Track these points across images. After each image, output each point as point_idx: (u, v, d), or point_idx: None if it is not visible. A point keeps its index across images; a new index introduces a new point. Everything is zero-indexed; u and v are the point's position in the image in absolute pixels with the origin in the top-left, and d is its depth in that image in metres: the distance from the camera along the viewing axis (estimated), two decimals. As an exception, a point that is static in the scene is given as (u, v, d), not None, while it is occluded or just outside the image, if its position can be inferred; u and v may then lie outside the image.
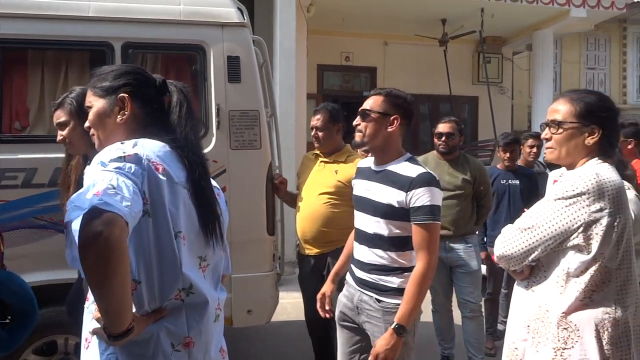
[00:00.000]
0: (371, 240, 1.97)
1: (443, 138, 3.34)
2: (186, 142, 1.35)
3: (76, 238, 1.06)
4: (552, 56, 9.19)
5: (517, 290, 1.70)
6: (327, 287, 2.23)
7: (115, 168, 1.17)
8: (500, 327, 4.03)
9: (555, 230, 1.51)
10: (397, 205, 1.89)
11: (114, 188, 1.10)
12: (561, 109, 1.61)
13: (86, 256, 1.04)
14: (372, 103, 1.98)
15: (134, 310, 1.21)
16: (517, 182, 3.83)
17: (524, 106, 10.93)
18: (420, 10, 8.18)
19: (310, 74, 8.32)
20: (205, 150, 2.28)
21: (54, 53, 2.72)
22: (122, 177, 1.15)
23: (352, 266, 2.09)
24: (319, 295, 2.23)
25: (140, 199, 1.17)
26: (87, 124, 1.40)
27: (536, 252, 1.56)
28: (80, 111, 1.91)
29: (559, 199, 1.51)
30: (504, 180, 3.87)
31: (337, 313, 2.14)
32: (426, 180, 1.87)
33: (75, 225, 1.06)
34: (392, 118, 1.94)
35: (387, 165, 1.97)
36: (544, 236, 1.53)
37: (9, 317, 1.90)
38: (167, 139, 1.33)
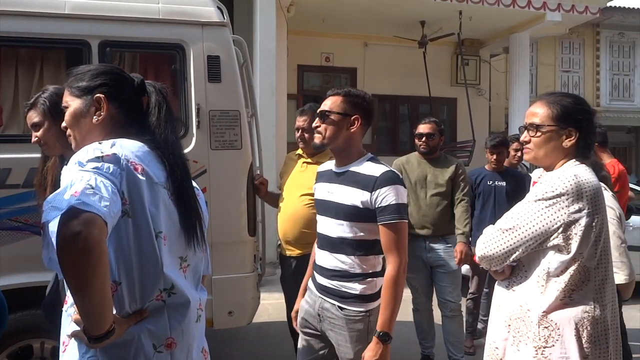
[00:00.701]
0: (334, 244, 1.92)
1: (424, 139, 3.37)
2: (166, 142, 1.34)
3: (54, 239, 1.03)
4: (528, 59, 9.37)
5: (498, 290, 1.72)
6: (298, 304, 2.16)
7: (93, 168, 1.15)
8: (480, 325, 4.08)
9: (536, 230, 1.54)
10: (361, 206, 1.84)
11: (92, 188, 1.08)
12: (539, 112, 1.64)
13: (65, 257, 1.02)
14: (330, 104, 1.93)
15: (114, 311, 1.19)
16: (504, 183, 3.87)
17: (501, 108, 11.10)
18: (400, 12, 8.25)
19: (290, 75, 8.31)
20: (185, 151, 2.26)
21: (29, 51, 2.66)
22: (101, 177, 1.13)
23: (314, 272, 2.03)
24: (292, 314, 2.18)
25: (119, 199, 1.16)
26: (63, 124, 1.38)
27: (517, 253, 1.58)
28: (54, 111, 1.87)
29: (539, 199, 1.54)
30: (491, 182, 3.90)
31: (299, 319, 2.08)
32: (390, 179, 1.83)
33: (53, 226, 1.04)
34: (352, 118, 1.90)
35: (349, 166, 1.93)
36: (525, 237, 1.55)
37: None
38: (146, 139, 1.31)
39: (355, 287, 1.88)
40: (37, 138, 1.98)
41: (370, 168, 1.89)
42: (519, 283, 1.63)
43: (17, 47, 2.63)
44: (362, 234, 1.87)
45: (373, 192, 1.82)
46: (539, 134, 1.63)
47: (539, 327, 1.55)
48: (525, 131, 1.68)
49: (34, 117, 1.98)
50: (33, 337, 2.47)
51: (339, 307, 1.90)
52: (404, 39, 8.95)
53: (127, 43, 2.68)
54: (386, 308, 1.80)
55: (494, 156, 3.88)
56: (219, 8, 2.85)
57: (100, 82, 1.34)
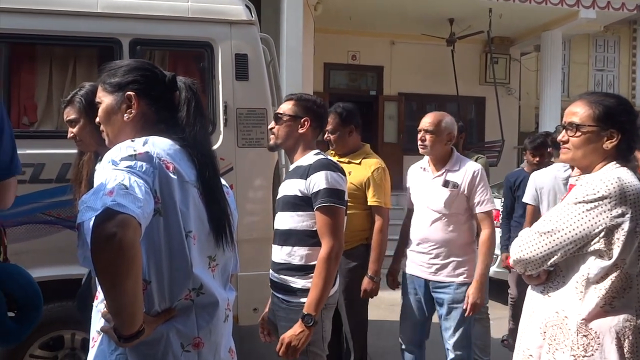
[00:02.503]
0: (282, 237, 2.00)
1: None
2: (195, 140, 1.33)
3: (89, 239, 1.04)
4: (560, 57, 9.16)
5: (532, 296, 1.67)
6: (266, 312, 2.19)
7: (127, 167, 1.15)
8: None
9: (576, 234, 1.48)
10: (300, 194, 1.94)
11: (127, 188, 1.09)
12: (579, 112, 1.58)
13: (99, 258, 1.03)
14: (284, 107, 2.06)
15: (143, 310, 1.20)
16: None
17: (531, 107, 10.89)
18: (428, 9, 8.16)
19: (317, 73, 8.33)
20: (213, 148, 2.27)
21: (63, 49, 2.72)
22: (134, 176, 1.13)
23: (270, 269, 2.10)
24: (260, 321, 2.20)
25: (152, 198, 1.16)
26: (97, 119, 1.39)
27: (555, 257, 1.53)
28: (89, 109, 1.91)
29: (579, 202, 1.48)
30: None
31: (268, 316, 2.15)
32: (322, 165, 1.93)
33: (88, 226, 1.05)
34: (302, 120, 2.02)
35: (297, 161, 2.04)
36: (564, 240, 1.50)
37: (16, 311, 1.91)
38: (176, 137, 1.31)
39: (297, 282, 1.94)
40: (72, 134, 2.03)
41: (309, 158, 1.99)
42: (556, 289, 1.58)
43: (52, 46, 2.69)
44: (305, 223, 1.94)
45: (307, 179, 1.92)
46: (578, 134, 1.57)
47: (577, 335, 1.49)
48: (564, 130, 1.62)
49: (70, 113, 2.03)
50: (64, 328, 2.54)
51: (282, 299, 1.98)
52: (431, 37, 8.86)
53: (157, 41, 2.72)
54: (313, 290, 1.85)
55: (536, 158, 3.79)
56: (247, 6, 2.86)
57: (131, 78, 1.34)
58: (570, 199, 1.52)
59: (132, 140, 1.24)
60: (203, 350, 1.28)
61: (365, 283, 2.75)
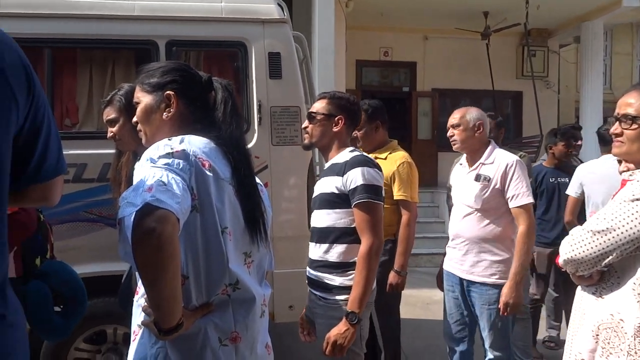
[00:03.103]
0: (319, 234, 2.00)
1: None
2: (231, 139, 1.36)
3: (129, 234, 1.07)
4: (601, 48, 8.83)
5: (583, 297, 1.59)
6: (302, 312, 2.20)
7: (164, 164, 1.18)
8: (553, 332, 3.88)
9: (633, 233, 1.39)
10: (337, 192, 1.93)
11: (165, 184, 1.11)
12: (635, 103, 1.50)
13: (138, 252, 1.06)
14: (317, 106, 2.05)
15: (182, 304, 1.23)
16: (567, 179, 3.66)
17: (570, 101, 10.55)
18: (462, 3, 8.01)
19: (349, 70, 8.30)
20: (247, 147, 2.30)
21: (102, 52, 2.80)
22: (172, 173, 1.16)
23: (307, 267, 2.10)
24: (299, 321, 2.19)
25: (189, 195, 1.18)
26: (134, 119, 1.42)
27: (611, 257, 1.44)
28: (129, 108, 1.96)
29: (636, 199, 1.40)
30: (553, 179, 3.69)
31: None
32: (359, 162, 1.91)
33: (128, 222, 1.08)
34: (336, 118, 2.01)
35: (332, 159, 2.03)
36: (620, 240, 1.41)
37: (61, 306, 1.98)
38: (212, 135, 1.34)
39: (335, 279, 1.93)
40: (112, 134, 2.08)
41: (345, 155, 1.98)
42: (610, 290, 1.49)
43: (92, 49, 2.78)
44: (343, 221, 1.93)
45: (344, 176, 1.91)
46: (634, 126, 1.48)
47: (634, 340, 1.40)
48: (617, 123, 1.53)
49: (110, 113, 2.08)
50: (106, 322, 2.62)
51: (320, 296, 1.98)
52: (465, 31, 8.69)
53: (192, 42, 2.77)
54: (355, 287, 1.85)
55: (570, 149, 3.66)
56: (279, 5, 2.88)
57: (170, 78, 1.37)
58: (625, 196, 1.43)
59: (169, 139, 1.26)
60: (240, 344, 1.30)
61: (392, 277, 2.74)
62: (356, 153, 1.99)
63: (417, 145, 9.48)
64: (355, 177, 1.89)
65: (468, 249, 2.50)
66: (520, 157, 3.36)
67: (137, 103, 1.40)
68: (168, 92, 1.35)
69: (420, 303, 4.57)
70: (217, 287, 1.28)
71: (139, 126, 1.42)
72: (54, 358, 2.56)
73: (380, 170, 1.98)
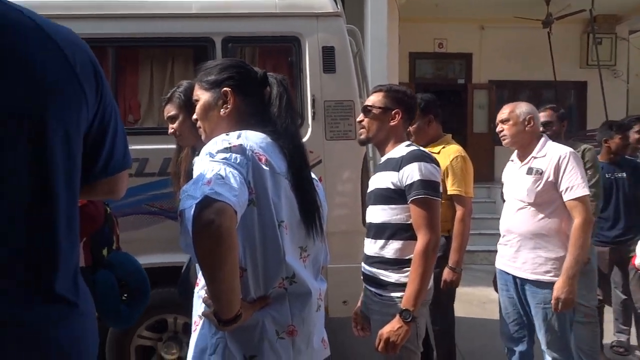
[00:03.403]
0: (375, 230, 1.97)
1: (541, 129, 3.12)
2: (286, 133, 1.37)
3: (189, 226, 1.10)
4: (677, 33, 8.20)
5: None
6: (356, 307, 2.19)
7: (223, 159, 1.20)
8: (621, 337, 3.66)
9: None
10: (393, 187, 1.90)
11: (223, 178, 1.14)
12: None
13: (199, 244, 1.09)
14: (373, 99, 2.01)
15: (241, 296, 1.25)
16: (624, 174, 3.42)
17: (641, 90, 9.88)
18: (522, -10, 7.68)
19: (402, 63, 8.17)
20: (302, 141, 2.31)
21: (162, 50, 2.89)
22: (229, 167, 1.18)
23: (362, 263, 2.07)
24: (352, 316, 2.20)
25: (246, 188, 1.20)
26: (194, 116, 1.46)
27: None
28: (188, 104, 2.01)
29: None
30: (609, 174, 3.45)
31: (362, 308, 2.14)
32: (415, 156, 1.88)
33: (189, 214, 1.11)
34: (393, 112, 1.96)
35: (388, 154, 2.00)
36: None
37: (126, 295, 2.07)
38: (268, 130, 1.35)
39: (391, 276, 1.91)
40: (173, 130, 2.14)
41: (401, 150, 1.95)
42: None
43: (152, 47, 2.87)
44: (399, 216, 1.90)
45: (400, 171, 1.88)
46: None
47: None
48: None
49: (170, 110, 2.14)
50: (167, 312, 2.71)
51: (375, 293, 1.96)
52: (525, 19, 8.31)
53: (247, 38, 2.81)
54: (411, 284, 1.81)
55: (626, 142, 3.44)
56: (333, -2, 2.86)
57: (227, 75, 1.40)
58: None
59: (227, 134, 1.29)
60: (297, 338, 1.31)
61: (446, 274, 2.69)
62: (413, 148, 1.95)
63: (473, 139, 9.20)
64: (412, 173, 1.85)
65: (521, 245, 2.41)
66: (584, 150, 3.19)
67: (197, 100, 1.44)
68: (225, 88, 1.38)
69: (476, 301, 4.45)
70: (274, 280, 1.29)
71: (199, 123, 1.45)
72: (119, 344, 2.68)
73: (438, 166, 1.93)
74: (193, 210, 1.09)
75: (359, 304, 2.17)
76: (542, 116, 3.11)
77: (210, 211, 1.07)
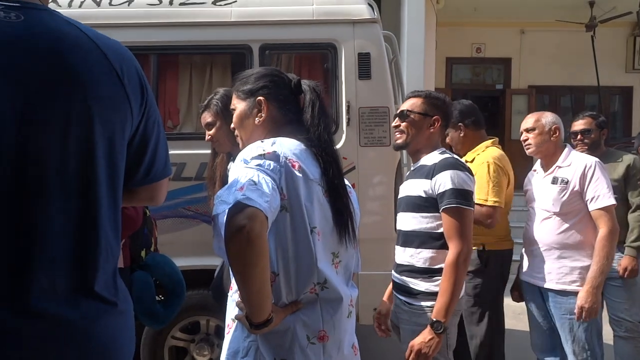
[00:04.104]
0: (405, 238, 1.95)
1: (578, 136, 3.04)
2: (320, 140, 1.38)
3: (222, 230, 1.13)
4: None
5: None
6: (382, 306, 2.19)
7: (257, 165, 1.23)
8: None
9: None
10: (424, 195, 1.87)
11: (255, 184, 1.16)
12: None
13: (230, 248, 1.12)
14: (411, 104, 1.98)
15: (272, 301, 1.26)
16: None
17: (692, 96, 9.44)
18: (564, -7, 7.47)
19: (438, 68, 8.08)
20: (336, 148, 2.31)
21: (201, 57, 2.96)
22: (262, 174, 1.21)
23: (392, 270, 2.06)
24: (375, 315, 2.19)
25: (278, 194, 1.22)
26: (232, 125, 1.50)
27: None
28: (225, 111, 2.05)
29: None
30: None
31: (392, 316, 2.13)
32: (449, 164, 1.84)
33: (222, 219, 1.14)
34: (433, 119, 1.94)
35: (421, 161, 1.97)
36: None
37: (162, 296, 2.13)
38: (302, 137, 1.37)
39: (421, 284, 1.89)
40: (210, 136, 2.19)
41: (434, 157, 1.92)
42: None
43: (192, 55, 2.94)
44: (430, 225, 1.88)
45: (432, 179, 1.85)
46: None
47: None
48: None
49: (207, 117, 2.19)
50: (200, 314, 2.75)
51: (405, 302, 1.93)
52: (568, 23, 8.09)
53: (284, 45, 2.84)
54: (442, 295, 1.78)
55: None
56: (369, 5, 2.86)
57: (261, 84, 1.43)
58: None
59: (262, 141, 1.32)
60: (327, 343, 1.31)
61: None
62: (446, 155, 1.92)
63: (511, 145, 8.97)
64: (445, 181, 1.82)
65: (546, 255, 2.39)
66: (621, 159, 3.05)
67: (234, 110, 1.48)
68: (259, 97, 1.41)
69: (510, 313, 4.33)
70: (306, 285, 1.30)
71: (236, 131, 1.49)
72: (153, 344, 2.75)
73: (472, 174, 1.90)
74: (225, 215, 1.12)
75: (385, 298, 2.17)
76: (581, 124, 3.05)
77: (241, 216, 1.09)
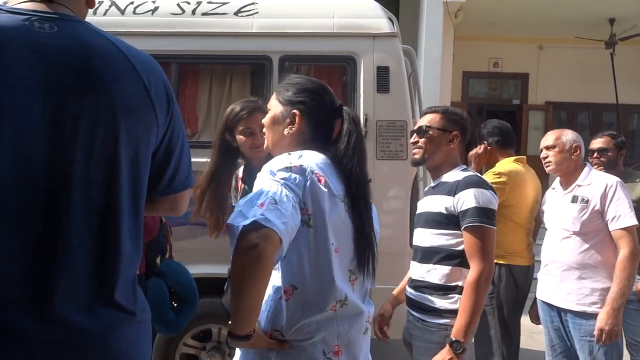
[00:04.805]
0: (422, 254, 1.93)
1: (595, 154, 3.01)
2: (351, 174, 1.35)
3: (234, 241, 1.14)
4: None
5: None
6: (384, 308, 2.16)
7: (282, 178, 1.23)
8: None
9: None
10: (445, 212, 1.85)
11: (276, 203, 1.16)
12: None
13: (239, 260, 1.12)
14: (429, 120, 1.97)
15: (291, 314, 1.28)
16: None
17: None
18: (584, 9, 7.42)
19: (455, 82, 8.05)
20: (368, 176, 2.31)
21: (221, 66, 2.99)
22: (286, 189, 1.20)
23: (407, 286, 2.04)
24: (377, 317, 2.17)
25: (299, 212, 1.22)
26: (262, 120, 1.49)
27: None
28: None
29: None
30: None
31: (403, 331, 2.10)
32: (473, 182, 1.83)
33: (236, 230, 1.14)
34: (452, 134, 1.94)
35: (442, 178, 1.96)
36: None
37: (174, 304, 2.13)
38: (329, 154, 1.35)
39: (435, 301, 1.87)
40: (257, 139, 2.08)
41: (457, 174, 1.91)
42: None
43: (212, 64, 2.97)
44: (449, 242, 1.85)
45: (455, 196, 1.83)
46: None
47: None
48: None
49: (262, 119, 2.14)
50: (212, 322, 2.76)
51: (418, 318, 1.92)
52: (587, 40, 8.03)
53: (303, 57, 2.86)
54: (461, 315, 1.76)
55: None
56: (389, 19, 2.87)
57: (301, 98, 1.40)
58: None
59: (289, 154, 1.31)
60: (341, 358, 1.30)
61: None
62: (469, 173, 1.91)
63: (527, 162, 8.90)
64: (467, 199, 1.80)
65: (565, 276, 2.34)
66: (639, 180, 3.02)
67: (269, 109, 1.47)
68: (294, 110, 1.40)
69: (526, 332, 4.27)
70: (327, 301, 1.29)
71: (265, 130, 1.48)
72: (165, 350, 2.75)
73: (495, 193, 1.88)
74: (240, 228, 1.12)
75: (387, 303, 2.15)
76: (599, 142, 3.04)
77: (256, 235, 1.10)
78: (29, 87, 0.89)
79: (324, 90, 1.46)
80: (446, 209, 1.86)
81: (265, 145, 1.48)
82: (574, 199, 2.37)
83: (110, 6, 2.84)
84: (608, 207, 2.27)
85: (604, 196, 2.28)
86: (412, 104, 3.05)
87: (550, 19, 7.88)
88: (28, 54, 0.90)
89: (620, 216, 2.24)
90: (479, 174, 1.95)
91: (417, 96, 3.39)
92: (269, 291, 1.31)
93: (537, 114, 9.25)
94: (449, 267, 1.86)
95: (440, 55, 6.21)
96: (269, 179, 1.23)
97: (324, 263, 1.28)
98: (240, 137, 2.14)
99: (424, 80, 6.06)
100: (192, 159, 2.60)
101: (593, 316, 2.25)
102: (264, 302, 1.31)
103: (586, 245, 2.30)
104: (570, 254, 2.34)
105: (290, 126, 1.40)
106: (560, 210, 2.44)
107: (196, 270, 2.57)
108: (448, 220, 1.86)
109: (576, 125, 9.11)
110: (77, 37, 0.95)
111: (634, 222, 2.24)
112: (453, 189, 1.85)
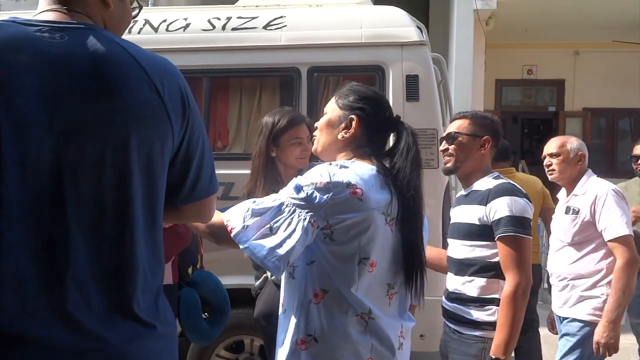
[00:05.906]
0: (457, 266, 1.88)
1: (639, 161, 2.91)
2: (408, 186, 1.33)
3: (236, 232, 1.30)
4: None
5: None
6: None
7: (301, 199, 1.25)
8: None
9: None
10: (478, 223, 1.79)
11: (271, 231, 1.24)
12: None
13: (209, 238, 1.37)
14: (458, 126, 1.91)
15: (318, 320, 1.29)
16: None
17: None
18: (621, 12, 7.20)
19: (487, 90, 7.92)
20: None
21: (251, 79, 3.04)
22: (295, 215, 1.25)
23: (443, 297, 2.00)
24: None
25: (307, 233, 1.23)
26: (316, 124, 1.49)
27: None
28: None
29: None
30: None
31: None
32: (505, 190, 1.76)
33: (228, 224, 1.31)
34: (483, 140, 1.87)
35: (473, 186, 1.89)
36: None
37: (206, 313, 2.15)
38: (380, 165, 1.33)
39: (472, 313, 1.82)
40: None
41: (488, 182, 1.85)
42: None
43: (242, 77, 3.02)
44: (482, 254, 1.80)
45: (487, 206, 1.78)
46: None
47: None
48: None
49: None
50: (244, 333, 2.76)
51: (454, 330, 1.87)
52: (626, 43, 7.77)
53: (332, 67, 2.87)
54: (500, 331, 1.69)
55: None
56: (418, 27, 2.86)
57: (361, 105, 1.40)
58: None
59: (330, 164, 1.31)
60: None
61: None
62: (502, 180, 1.84)
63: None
64: (500, 208, 1.74)
65: (563, 285, 2.34)
66: None
67: (325, 113, 1.47)
68: (352, 116, 1.39)
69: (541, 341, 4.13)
70: (345, 313, 1.28)
71: (316, 132, 1.47)
72: (198, 360, 2.77)
73: (530, 201, 1.81)
74: (229, 229, 1.29)
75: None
76: (637, 149, 3.02)
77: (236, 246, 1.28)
78: (37, 96, 0.89)
79: (384, 102, 1.46)
80: (479, 219, 1.80)
81: (314, 147, 1.48)
82: (567, 210, 2.35)
83: (144, 25, 2.93)
84: (599, 218, 2.22)
85: (593, 206, 2.23)
86: (443, 112, 3.01)
87: (586, 24, 7.68)
88: (38, 64, 0.90)
89: (611, 226, 2.18)
90: (512, 182, 1.87)
91: (447, 105, 3.35)
92: (293, 302, 1.32)
93: (574, 121, 8.98)
94: (485, 280, 1.80)
95: (471, 64, 6.13)
96: (287, 197, 1.27)
97: (346, 275, 1.28)
98: (289, 146, 2.11)
99: (455, 89, 5.99)
100: (224, 171, 2.67)
101: (582, 322, 2.24)
102: (292, 312, 1.31)
103: (579, 255, 2.29)
104: (564, 264, 2.34)
105: (345, 130, 1.40)
106: (556, 220, 2.45)
107: (229, 281, 2.58)
108: (481, 232, 1.80)
109: (616, 132, 8.80)
110: (87, 45, 0.94)
111: (626, 231, 2.16)
112: (485, 198, 1.80)
